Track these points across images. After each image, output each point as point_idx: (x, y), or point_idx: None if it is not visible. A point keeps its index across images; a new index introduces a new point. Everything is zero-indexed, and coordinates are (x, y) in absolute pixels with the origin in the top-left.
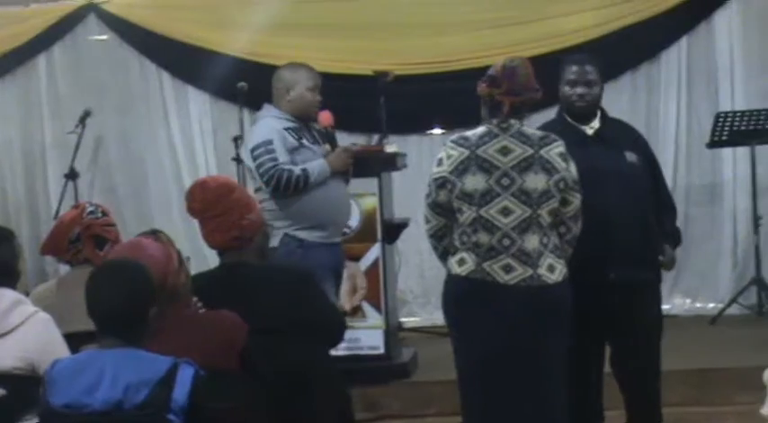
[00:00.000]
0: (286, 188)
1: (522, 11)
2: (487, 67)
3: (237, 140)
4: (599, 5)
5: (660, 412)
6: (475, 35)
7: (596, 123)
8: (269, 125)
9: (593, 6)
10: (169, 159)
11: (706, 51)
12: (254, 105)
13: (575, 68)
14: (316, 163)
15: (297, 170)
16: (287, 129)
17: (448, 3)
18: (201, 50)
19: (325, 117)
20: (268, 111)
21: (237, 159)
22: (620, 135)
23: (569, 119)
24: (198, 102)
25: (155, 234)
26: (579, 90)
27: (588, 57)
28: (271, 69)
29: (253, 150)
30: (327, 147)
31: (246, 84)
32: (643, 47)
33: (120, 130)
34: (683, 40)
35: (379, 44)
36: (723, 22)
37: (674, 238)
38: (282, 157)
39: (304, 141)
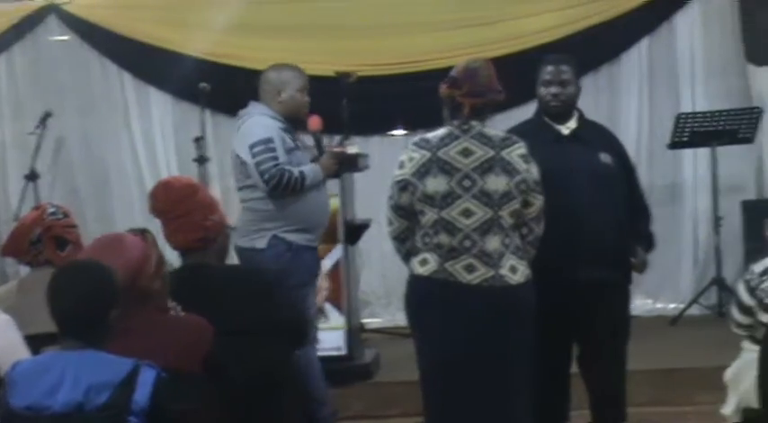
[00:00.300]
0: (284, 189)
1: (484, 12)
2: (450, 68)
3: (199, 141)
4: (561, 7)
5: (625, 412)
6: (437, 36)
7: (573, 123)
8: (266, 123)
9: (556, 7)
10: (131, 160)
11: (667, 52)
12: (216, 106)
13: (550, 68)
14: (311, 167)
15: (296, 172)
16: (282, 129)
17: (410, 3)
18: (163, 51)
19: (315, 121)
20: (259, 108)
21: (199, 160)
22: (596, 136)
23: (546, 118)
24: (159, 102)
25: (142, 233)
26: (553, 90)
27: (564, 57)
28: (233, 70)
29: (252, 147)
30: (314, 151)
31: (208, 85)
32: (605, 48)
33: (81, 130)
34: (644, 42)
35: (341, 45)
36: (684, 24)
37: (648, 241)
38: (282, 156)
39: (298, 143)
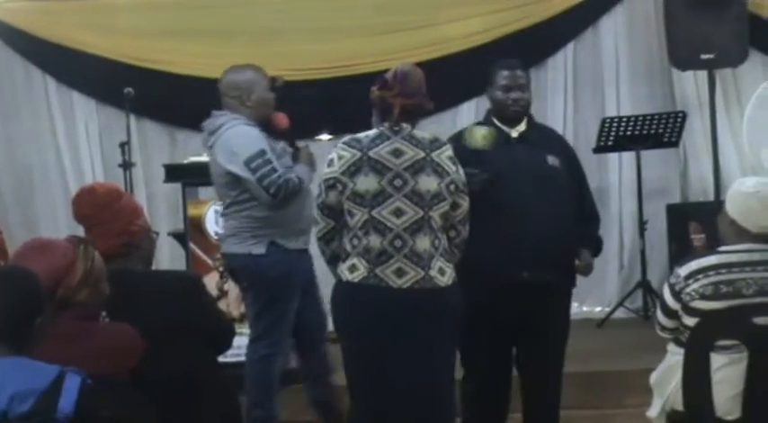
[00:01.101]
0: (289, 197)
1: (410, 16)
2: (376, 73)
3: (124, 146)
4: (487, 11)
5: (558, 416)
6: (364, 40)
7: (522, 126)
8: (251, 134)
9: (482, 12)
10: (55, 165)
11: (592, 57)
12: (141, 111)
13: (506, 73)
14: (303, 169)
15: (294, 178)
16: (264, 136)
17: (336, 8)
18: (87, 56)
19: (282, 119)
20: (231, 117)
21: (124, 165)
22: (545, 139)
23: (496, 121)
24: (84, 107)
25: (78, 242)
26: (514, 95)
27: (517, 61)
28: (158, 75)
29: (249, 162)
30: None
31: (133, 89)
32: (530, 52)
33: (4, 135)
34: (570, 46)
35: (267, 50)
36: (609, 28)
37: (595, 245)
38: (279, 166)
39: (279, 147)
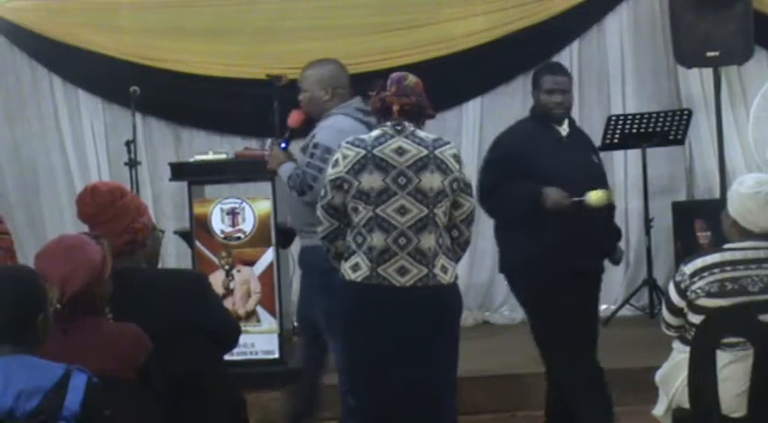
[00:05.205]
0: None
1: (413, 15)
2: (379, 71)
3: (130, 144)
4: (490, 10)
5: None
6: (367, 39)
7: (566, 127)
8: None
9: (484, 11)
10: (61, 164)
11: (597, 55)
12: (147, 109)
13: (549, 78)
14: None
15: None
16: None
17: (339, 7)
18: (92, 54)
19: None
20: None
21: (130, 164)
22: (585, 139)
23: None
24: (89, 105)
25: (96, 238)
26: (556, 98)
27: (560, 65)
28: (163, 74)
29: None
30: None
31: (138, 88)
32: (535, 51)
33: (10, 135)
34: (575, 44)
35: (272, 48)
36: (614, 26)
37: (618, 235)
38: None
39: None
